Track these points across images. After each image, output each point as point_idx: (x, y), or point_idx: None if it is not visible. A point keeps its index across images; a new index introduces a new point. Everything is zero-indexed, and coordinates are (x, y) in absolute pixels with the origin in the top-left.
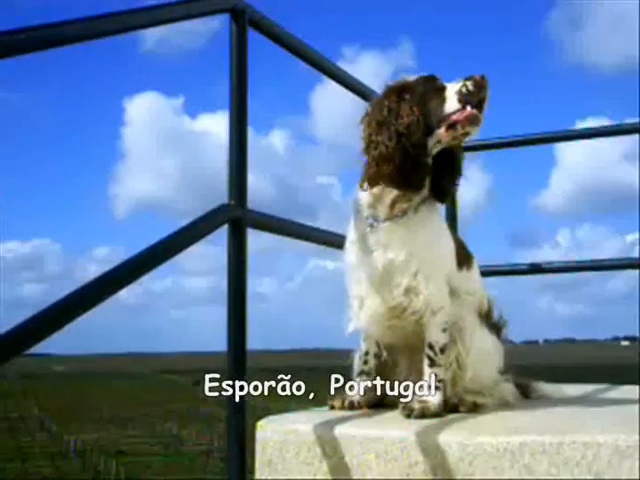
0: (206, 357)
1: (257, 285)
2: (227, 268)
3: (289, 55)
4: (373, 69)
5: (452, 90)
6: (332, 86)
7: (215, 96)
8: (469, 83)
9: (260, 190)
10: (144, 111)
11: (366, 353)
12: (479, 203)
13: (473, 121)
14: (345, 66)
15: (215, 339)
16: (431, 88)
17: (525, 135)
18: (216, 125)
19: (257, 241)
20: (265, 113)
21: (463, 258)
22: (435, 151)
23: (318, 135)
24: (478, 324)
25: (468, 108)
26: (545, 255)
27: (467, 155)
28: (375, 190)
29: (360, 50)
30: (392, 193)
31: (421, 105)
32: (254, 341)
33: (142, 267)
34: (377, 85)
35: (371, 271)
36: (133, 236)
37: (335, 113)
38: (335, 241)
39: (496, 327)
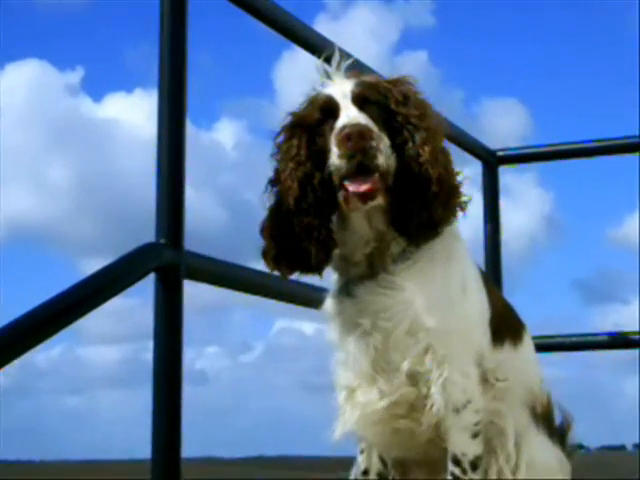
0: (117, 467)
1: (196, 358)
2: (154, 334)
3: (242, 13)
4: (371, 27)
5: (334, 135)
6: (305, 55)
7: (131, 67)
8: (337, 138)
9: (201, 210)
10: (21, 89)
11: (364, 472)
12: (534, 235)
13: (364, 198)
14: (329, 24)
15: (131, 440)
16: (327, 118)
17: (601, 140)
18: (131, 110)
19: (198, 293)
20: (209, 95)
21: (507, 326)
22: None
23: None
24: (530, 426)
25: (351, 187)
26: (633, 315)
27: (516, 168)
28: (336, 250)
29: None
30: (363, 249)
31: (313, 146)
32: (192, 444)
33: (30, 336)
34: (374, 53)
35: (358, 352)
36: (4, 277)
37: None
38: (310, 298)
39: (559, 432)
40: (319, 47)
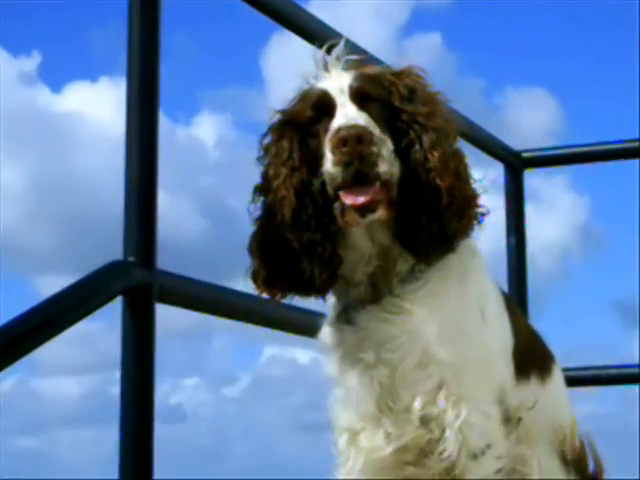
0: None
1: (171, 392)
2: (122, 364)
3: None
4: (376, 6)
5: (328, 139)
6: (298, 39)
7: (96, 51)
8: (331, 142)
9: (176, 219)
10: None
11: None
12: (566, 248)
13: (362, 211)
14: (326, 1)
15: None
16: (321, 117)
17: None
18: (97, 102)
19: (173, 316)
20: (186, 84)
21: (533, 357)
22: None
23: None
24: (560, 474)
25: (347, 199)
26: None
27: (545, 170)
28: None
29: None
30: (364, 268)
31: (306, 149)
32: None
33: None
34: (380, 36)
35: (361, 389)
36: None
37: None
38: (302, 324)
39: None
40: (314, 33)
